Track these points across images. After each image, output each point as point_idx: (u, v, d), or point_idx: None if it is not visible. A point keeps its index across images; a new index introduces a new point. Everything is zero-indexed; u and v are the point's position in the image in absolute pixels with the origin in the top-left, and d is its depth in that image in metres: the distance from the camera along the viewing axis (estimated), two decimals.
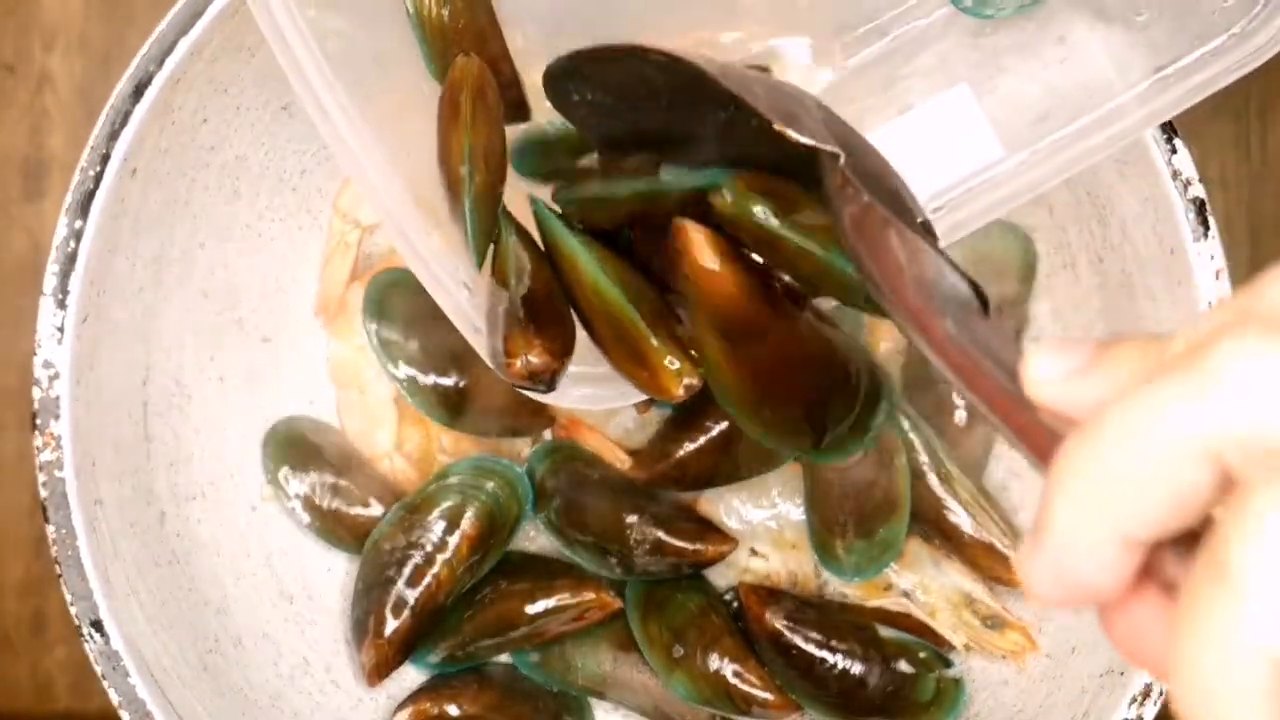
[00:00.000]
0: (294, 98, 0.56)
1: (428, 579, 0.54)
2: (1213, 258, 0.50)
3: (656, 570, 0.56)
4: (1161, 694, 0.50)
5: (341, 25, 0.42)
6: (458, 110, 0.43)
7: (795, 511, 0.58)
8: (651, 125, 0.42)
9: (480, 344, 0.41)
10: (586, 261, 0.43)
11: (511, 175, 0.45)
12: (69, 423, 0.50)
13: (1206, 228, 0.50)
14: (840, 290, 0.40)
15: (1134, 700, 0.50)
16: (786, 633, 0.55)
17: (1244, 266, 0.66)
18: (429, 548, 0.55)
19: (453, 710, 0.56)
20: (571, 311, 0.43)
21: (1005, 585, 0.56)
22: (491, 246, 0.43)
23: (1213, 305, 0.48)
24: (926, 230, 0.36)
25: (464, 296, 0.41)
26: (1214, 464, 0.23)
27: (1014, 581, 0.55)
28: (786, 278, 0.41)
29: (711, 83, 0.38)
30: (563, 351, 0.41)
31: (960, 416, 0.56)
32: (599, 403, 0.44)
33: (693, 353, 0.41)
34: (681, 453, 0.56)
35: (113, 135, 0.50)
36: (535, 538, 0.59)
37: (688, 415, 0.57)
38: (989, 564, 0.56)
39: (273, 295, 0.59)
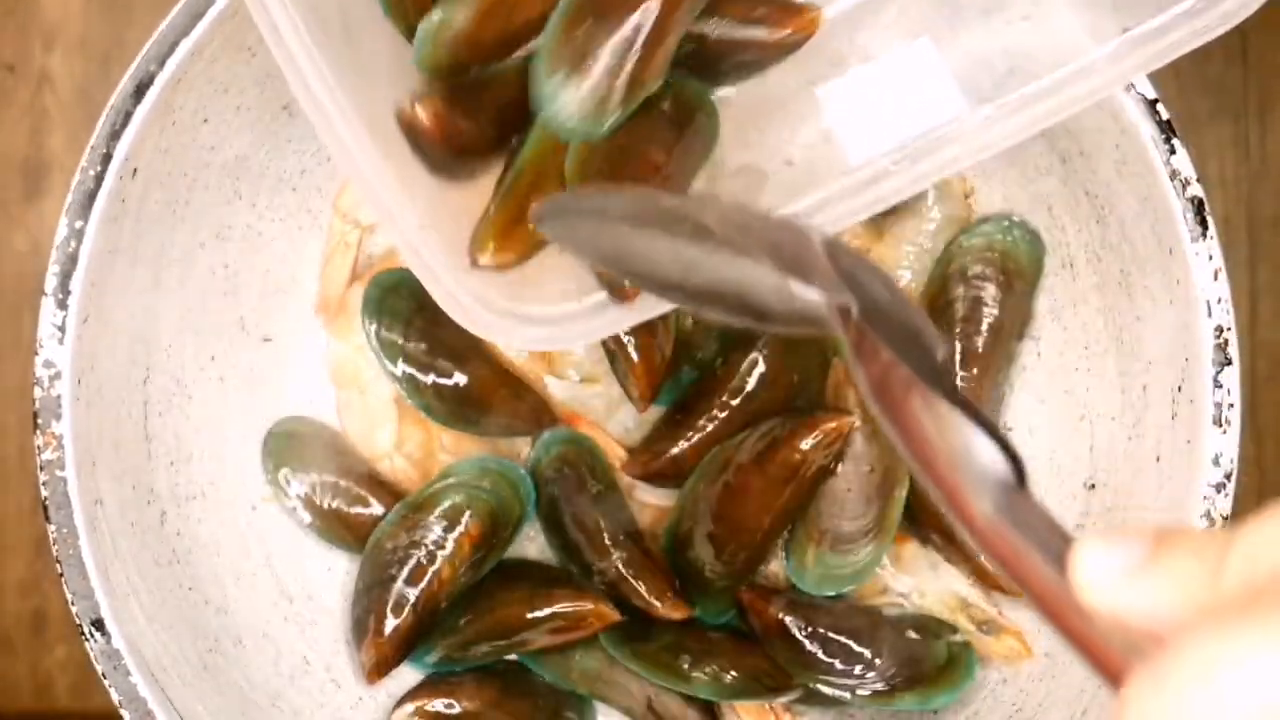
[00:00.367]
0: (294, 98, 0.56)
1: (429, 577, 0.55)
2: (1211, 257, 0.50)
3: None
4: None
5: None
6: None
7: None
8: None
9: (434, 287, 0.41)
10: None
11: None
12: (70, 422, 0.51)
13: (1205, 227, 0.50)
14: None
15: None
16: (792, 620, 0.55)
17: (1243, 266, 0.66)
18: (430, 546, 0.55)
19: (453, 706, 0.56)
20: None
21: (1005, 592, 0.56)
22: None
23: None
24: (953, 391, 0.32)
25: (456, 285, 0.41)
26: None
27: (1013, 588, 0.55)
28: None
29: (709, 233, 0.36)
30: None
31: None
32: (552, 344, 0.43)
33: None
34: (675, 450, 0.56)
35: (114, 135, 0.50)
36: (535, 537, 0.59)
37: (682, 413, 0.57)
38: (989, 567, 0.56)
39: (273, 295, 0.59)
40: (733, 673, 0.55)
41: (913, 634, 0.56)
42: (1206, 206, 0.50)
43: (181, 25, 0.50)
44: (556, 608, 0.55)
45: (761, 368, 0.56)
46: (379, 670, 0.55)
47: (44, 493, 0.50)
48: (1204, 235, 0.50)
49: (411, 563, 0.55)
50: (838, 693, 0.55)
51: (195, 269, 0.56)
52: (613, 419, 0.59)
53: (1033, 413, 0.58)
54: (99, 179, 0.50)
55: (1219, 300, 0.50)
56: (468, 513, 0.55)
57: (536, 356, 0.58)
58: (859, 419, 0.54)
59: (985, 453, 0.29)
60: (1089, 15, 0.42)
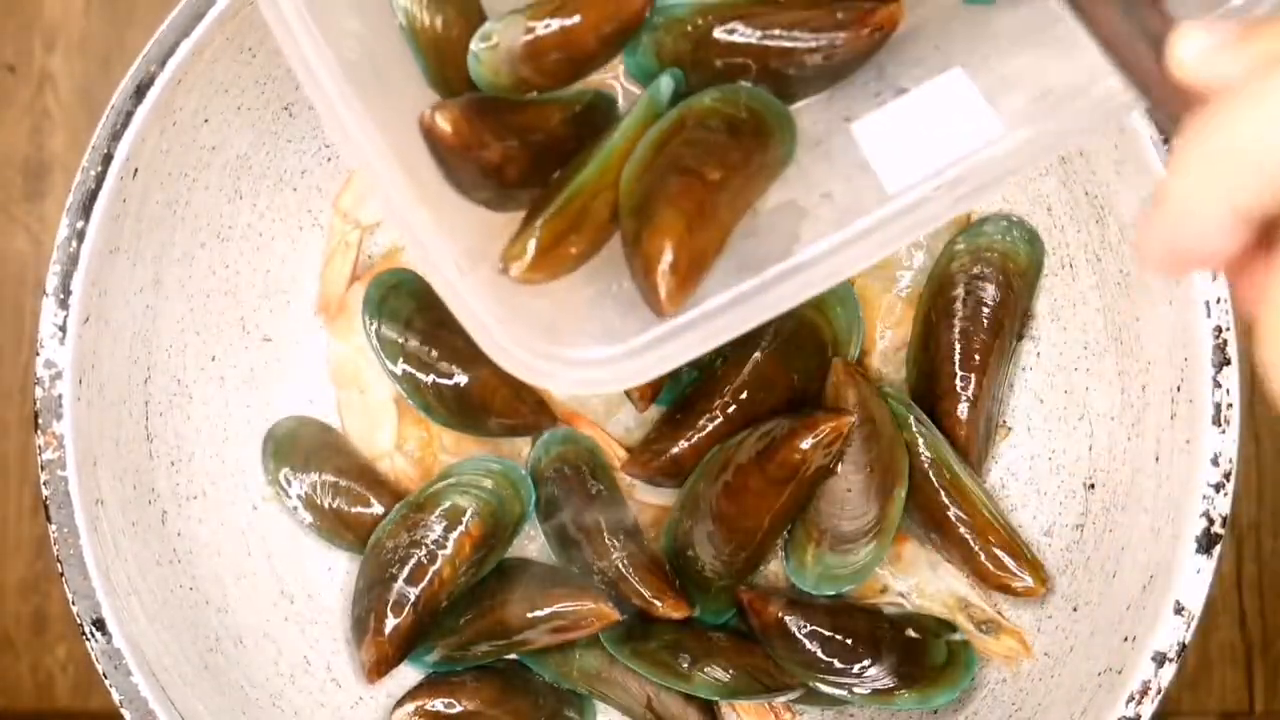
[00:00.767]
0: (295, 98, 0.56)
1: (429, 577, 0.55)
2: None
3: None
4: (1160, 692, 0.50)
5: (351, 27, 0.42)
6: None
7: None
8: None
9: (477, 333, 0.41)
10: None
11: None
12: (71, 422, 0.51)
13: None
14: None
15: (1132, 698, 0.50)
16: (792, 620, 0.55)
17: None
18: (431, 546, 0.55)
19: (453, 706, 0.56)
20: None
21: (1005, 592, 0.56)
22: None
23: None
24: None
25: (460, 281, 0.41)
26: None
27: (1014, 587, 0.55)
28: None
29: None
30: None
31: (963, 410, 0.56)
32: (595, 387, 0.43)
33: None
34: (675, 450, 0.56)
35: (115, 135, 0.50)
36: (535, 537, 0.59)
37: (682, 413, 0.57)
38: (990, 568, 0.56)
39: (273, 295, 0.59)
40: (732, 672, 0.55)
41: (912, 633, 0.56)
42: None
43: (182, 26, 0.50)
44: (556, 607, 0.55)
45: (762, 368, 0.56)
46: (379, 669, 0.55)
47: (45, 492, 0.50)
48: None
49: (412, 562, 0.55)
50: (837, 692, 0.55)
51: (196, 269, 0.56)
52: (613, 419, 0.59)
53: (1032, 413, 0.58)
54: (100, 179, 0.50)
55: (1218, 300, 0.50)
56: (469, 512, 0.55)
57: None
58: (858, 419, 0.54)
59: None
60: None
